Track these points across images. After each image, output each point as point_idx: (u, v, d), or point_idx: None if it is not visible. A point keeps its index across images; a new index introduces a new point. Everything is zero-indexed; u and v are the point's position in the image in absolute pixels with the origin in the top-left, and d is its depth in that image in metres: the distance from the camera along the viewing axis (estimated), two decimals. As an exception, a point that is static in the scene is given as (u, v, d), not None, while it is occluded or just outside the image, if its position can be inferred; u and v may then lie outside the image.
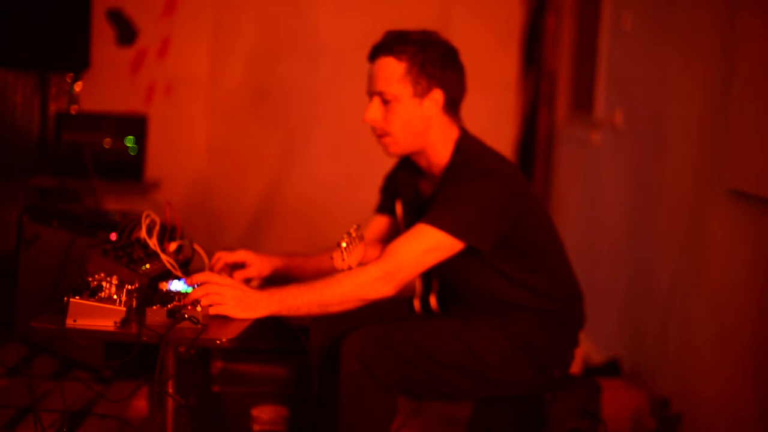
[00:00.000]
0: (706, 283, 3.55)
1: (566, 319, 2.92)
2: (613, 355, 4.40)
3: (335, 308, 2.71)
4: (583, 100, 5.97)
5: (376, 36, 2.89)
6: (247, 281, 2.97)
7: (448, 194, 2.73)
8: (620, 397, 3.88)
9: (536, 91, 6.37)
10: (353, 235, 2.60)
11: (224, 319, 2.59)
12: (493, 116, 6.04)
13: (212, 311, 2.57)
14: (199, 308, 2.52)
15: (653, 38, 4.37)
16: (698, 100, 3.73)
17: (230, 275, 2.91)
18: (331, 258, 2.65)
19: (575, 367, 3.95)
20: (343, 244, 2.60)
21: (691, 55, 3.85)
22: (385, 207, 3.16)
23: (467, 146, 2.87)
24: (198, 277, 2.64)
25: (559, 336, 2.90)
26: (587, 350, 4.75)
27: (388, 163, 3.19)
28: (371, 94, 2.85)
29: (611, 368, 4.29)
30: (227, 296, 2.58)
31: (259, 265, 2.98)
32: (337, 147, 6.10)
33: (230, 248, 3.04)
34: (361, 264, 2.71)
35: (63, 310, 2.45)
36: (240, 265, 2.99)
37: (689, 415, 3.23)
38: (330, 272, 2.71)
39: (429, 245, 2.69)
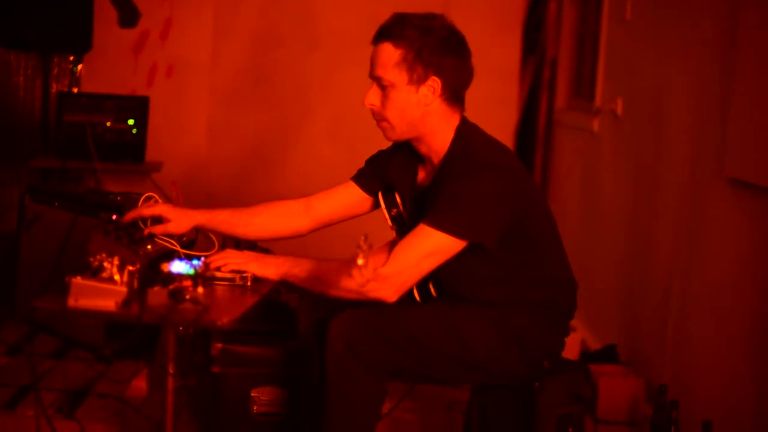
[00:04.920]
0: (705, 271, 3.57)
1: (558, 310, 2.89)
2: (611, 342, 4.42)
3: (333, 292, 2.73)
4: (583, 88, 5.97)
5: (376, 20, 2.85)
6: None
7: (448, 192, 2.68)
8: (617, 384, 3.90)
9: (537, 78, 6.38)
10: (364, 248, 2.51)
11: (225, 301, 2.61)
12: (494, 103, 6.05)
13: (232, 267, 2.82)
14: (200, 289, 2.53)
15: (654, 27, 4.38)
16: (698, 89, 3.74)
17: (146, 225, 2.91)
18: (350, 276, 2.60)
19: (572, 354, 3.95)
20: (360, 262, 2.49)
21: (691, 45, 3.86)
22: (362, 180, 3.08)
23: (467, 134, 2.83)
24: (217, 256, 2.87)
25: (549, 327, 2.87)
26: (584, 336, 4.77)
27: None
28: (371, 78, 2.83)
29: (608, 354, 4.30)
30: (246, 257, 2.88)
31: (177, 221, 2.92)
32: (337, 130, 6.12)
33: (156, 200, 3.03)
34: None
35: (64, 290, 2.47)
36: (159, 220, 2.94)
37: (686, 402, 3.24)
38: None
39: (431, 248, 2.67)
